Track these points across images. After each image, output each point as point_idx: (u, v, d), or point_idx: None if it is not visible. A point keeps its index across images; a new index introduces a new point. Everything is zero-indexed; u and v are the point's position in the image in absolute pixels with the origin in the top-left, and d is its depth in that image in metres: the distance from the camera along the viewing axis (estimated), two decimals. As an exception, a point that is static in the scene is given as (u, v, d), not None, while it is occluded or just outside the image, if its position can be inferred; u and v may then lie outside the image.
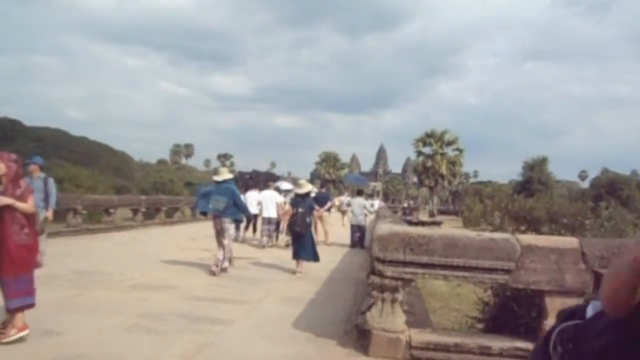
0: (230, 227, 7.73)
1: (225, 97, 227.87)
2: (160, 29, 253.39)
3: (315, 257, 8.10)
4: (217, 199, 7.53)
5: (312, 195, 10.02)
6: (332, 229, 13.24)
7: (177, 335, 4.20)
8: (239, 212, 7.90)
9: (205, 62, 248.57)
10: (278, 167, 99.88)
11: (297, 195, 8.76)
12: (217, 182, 7.85)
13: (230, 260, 7.86)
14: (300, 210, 8.25)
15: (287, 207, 9.67)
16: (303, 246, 8.07)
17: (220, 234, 7.60)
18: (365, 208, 12.95)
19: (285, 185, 23.14)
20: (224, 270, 7.50)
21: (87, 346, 3.83)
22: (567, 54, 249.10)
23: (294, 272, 7.95)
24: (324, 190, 17.55)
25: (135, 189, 26.27)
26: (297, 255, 8.07)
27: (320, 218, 12.33)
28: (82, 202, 12.56)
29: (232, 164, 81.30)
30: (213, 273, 7.27)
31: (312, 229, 8.81)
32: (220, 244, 7.57)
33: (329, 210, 13.23)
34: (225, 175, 8.04)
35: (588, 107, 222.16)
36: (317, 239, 9.83)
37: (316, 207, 10.62)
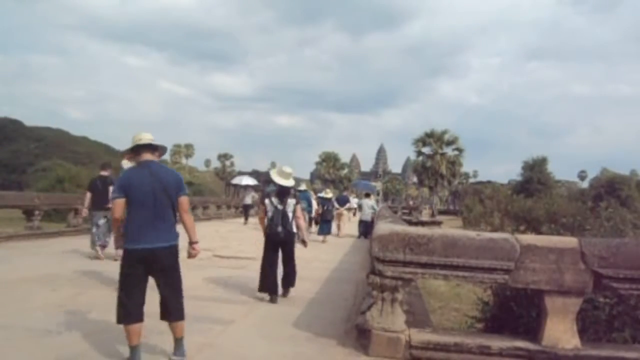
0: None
1: (226, 97, 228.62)
2: (162, 27, 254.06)
3: (329, 232, 14.57)
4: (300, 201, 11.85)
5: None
6: (346, 224, 16.89)
7: (178, 335, 4.20)
8: (310, 209, 14.30)
9: (207, 61, 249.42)
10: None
11: (324, 198, 15.13)
12: (299, 191, 12.30)
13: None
14: (327, 207, 14.73)
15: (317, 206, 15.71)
16: (328, 227, 14.48)
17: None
18: (372, 208, 16.13)
19: (245, 180, 24.94)
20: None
21: (88, 346, 3.84)
22: (570, 54, 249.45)
23: (322, 242, 13.42)
24: (345, 193, 25.48)
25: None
26: (323, 232, 14.13)
27: (340, 215, 16.83)
28: (83, 202, 12.55)
29: (232, 164, 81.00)
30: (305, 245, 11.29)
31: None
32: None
33: (348, 209, 18.83)
34: (303, 186, 13.70)
35: (588, 107, 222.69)
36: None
37: (337, 205, 16.55)
